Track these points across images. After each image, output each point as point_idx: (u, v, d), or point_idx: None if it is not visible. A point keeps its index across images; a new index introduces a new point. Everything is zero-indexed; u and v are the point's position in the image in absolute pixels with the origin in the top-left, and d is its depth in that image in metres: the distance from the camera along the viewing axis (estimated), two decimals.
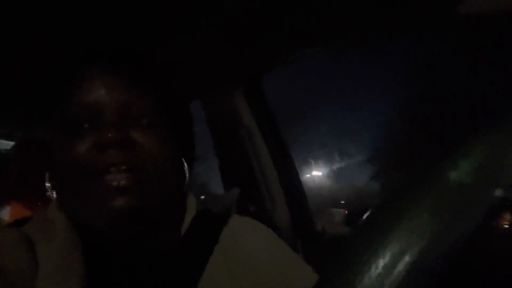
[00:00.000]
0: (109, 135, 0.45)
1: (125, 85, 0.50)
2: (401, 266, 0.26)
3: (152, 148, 0.48)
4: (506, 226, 0.89)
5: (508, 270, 0.73)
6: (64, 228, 0.48)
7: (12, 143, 1.32)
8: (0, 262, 0.43)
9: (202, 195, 0.75)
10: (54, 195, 0.54)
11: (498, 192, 0.27)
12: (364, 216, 0.30)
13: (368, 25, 0.85)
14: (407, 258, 0.26)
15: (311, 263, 0.56)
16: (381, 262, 0.26)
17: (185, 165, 0.55)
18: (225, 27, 0.86)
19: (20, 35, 0.62)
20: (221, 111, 1.11)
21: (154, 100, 0.51)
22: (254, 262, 0.54)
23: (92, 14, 0.65)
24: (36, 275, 0.44)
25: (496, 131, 0.29)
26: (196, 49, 0.91)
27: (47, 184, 0.54)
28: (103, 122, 0.47)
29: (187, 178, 0.55)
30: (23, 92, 0.64)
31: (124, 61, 0.53)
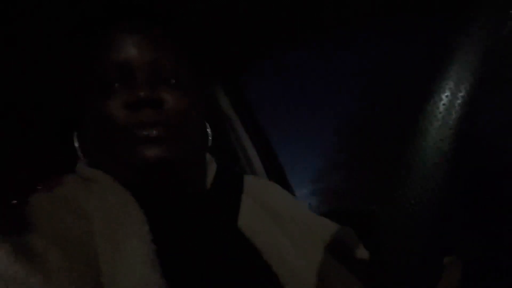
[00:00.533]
0: (141, 94, 0.47)
1: (155, 45, 0.51)
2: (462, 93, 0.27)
3: (180, 107, 0.51)
4: None
5: None
6: (111, 181, 0.50)
7: None
8: (56, 230, 0.42)
9: None
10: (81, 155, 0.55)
11: None
12: None
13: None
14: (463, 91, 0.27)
15: None
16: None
17: (208, 126, 0.60)
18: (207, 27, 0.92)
19: None
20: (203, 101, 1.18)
21: (181, 62, 0.54)
22: (281, 207, 0.61)
23: None
24: (89, 223, 0.44)
25: None
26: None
27: (76, 145, 0.55)
28: (135, 81, 0.49)
29: (210, 139, 0.59)
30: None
31: (154, 21, 0.54)
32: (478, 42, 0.30)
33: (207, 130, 0.60)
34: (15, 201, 0.79)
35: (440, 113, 0.28)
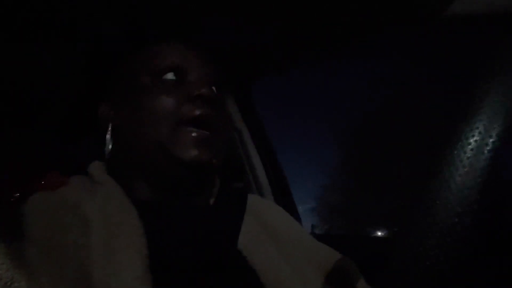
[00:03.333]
0: (204, 89, 0.50)
1: (204, 58, 0.56)
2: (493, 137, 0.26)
3: (224, 113, 0.54)
4: None
5: None
6: (117, 188, 0.50)
7: None
8: (51, 233, 0.41)
9: None
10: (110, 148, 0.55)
11: None
12: None
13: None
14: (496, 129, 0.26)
15: None
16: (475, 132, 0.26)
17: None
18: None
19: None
20: None
21: (220, 78, 0.58)
22: (283, 231, 0.60)
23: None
24: (87, 231, 0.43)
25: None
26: None
27: (108, 137, 0.55)
28: (195, 78, 0.52)
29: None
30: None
31: (186, 39, 0.59)
32: None
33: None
34: (15, 197, 0.78)
35: (467, 158, 0.26)
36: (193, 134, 0.49)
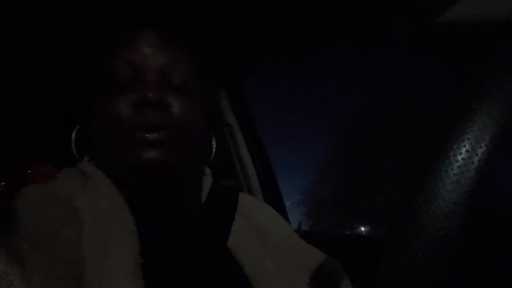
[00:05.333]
0: (150, 95, 0.48)
1: (167, 50, 0.53)
2: (482, 149, 0.27)
3: (185, 113, 0.51)
4: None
5: None
6: (103, 180, 0.50)
7: None
8: (43, 228, 0.41)
9: None
10: (75, 153, 0.56)
11: None
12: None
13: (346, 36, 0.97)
14: (486, 141, 0.27)
15: None
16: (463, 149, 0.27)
17: (213, 139, 0.60)
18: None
19: None
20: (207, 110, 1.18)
21: (191, 69, 0.55)
22: (272, 231, 0.61)
23: None
24: (79, 224, 0.43)
25: None
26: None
27: (72, 139, 0.56)
28: (145, 82, 0.50)
29: (214, 150, 0.60)
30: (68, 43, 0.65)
31: (167, 27, 0.56)
32: (501, 103, 0.29)
33: (212, 142, 0.61)
34: (2, 186, 0.77)
35: (454, 175, 0.27)
36: (144, 138, 0.48)
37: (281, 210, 1.18)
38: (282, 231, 0.63)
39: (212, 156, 0.61)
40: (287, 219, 1.20)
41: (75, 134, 0.57)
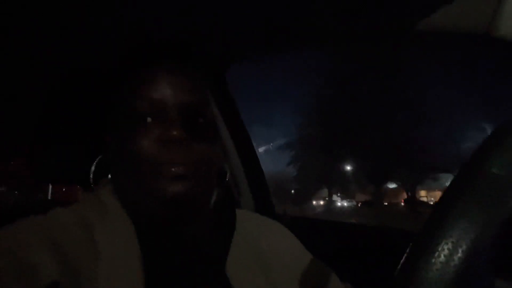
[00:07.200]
0: (174, 133, 0.51)
1: (187, 86, 0.56)
2: (459, 253, 0.29)
3: (205, 145, 0.55)
4: None
5: None
6: (119, 212, 0.54)
7: None
8: (65, 245, 0.47)
9: None
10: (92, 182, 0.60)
11: None
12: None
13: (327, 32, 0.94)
14: (464, 246, 0.29)
15: None
16: (442, 253, 0.29)
17: (226, 165, 0.64)
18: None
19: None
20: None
21: (208, 102, 0.58)
22: (270, 252, 0.63)
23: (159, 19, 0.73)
24: (96, 258, 0.48)
25: None
26: None
27: (92, 170, 0.60)
28: (168, 119, 0.53)
29: (227, 176, 0.64)
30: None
31: (187, 64, 0.59)
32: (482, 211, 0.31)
33: (225, 167, 0.64)
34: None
35: (436, 270, 0.29)
36: (170, 173, 0.51)
37: (267, 200, 1.20)
38: (286, 255, 0.65)
39: (226, 182, 0.64)
40: (272, 208, 1.23)
41: (95, 166, 0.61)
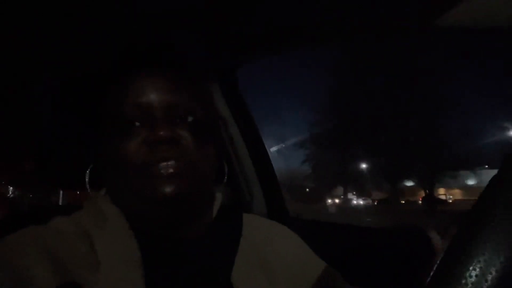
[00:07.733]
0: (161, 133, 0.51)
1: (172, 87, 0.56)
2: (492, 274, 0.27)
3: (196, 144, 0.54)
4: None
5: None
6: (118, 219, 0.54)
7: None
8: (64, 256, 0.47)
9: None
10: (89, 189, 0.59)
11: None
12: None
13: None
14: (497, 266, 0.27)
15: None
16: (473, 273, 0.27)
17: (225, 164, 0.62)
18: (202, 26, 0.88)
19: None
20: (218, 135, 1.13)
21: (197, 100, 0.57)
22: (277, 257, 0.62)
23: (140, 22, 0.72)
24: (96, 269, 0.48)
25: None
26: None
27: (86, 179, 0.59)
28: (154, 121, 0.53)
29: (226, 175, 0.62)
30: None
31: (170, 65, 0.58)
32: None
33: (224, 166, 0.63)
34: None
35: None
36: (159, 173, 0.51)
37: (280, 203, 1.18)
38: (294, 263, 0.63)
39: (224, 181, 0.62)
40: (286, 211, 1.20)
41: (88, 173, 0.60)
